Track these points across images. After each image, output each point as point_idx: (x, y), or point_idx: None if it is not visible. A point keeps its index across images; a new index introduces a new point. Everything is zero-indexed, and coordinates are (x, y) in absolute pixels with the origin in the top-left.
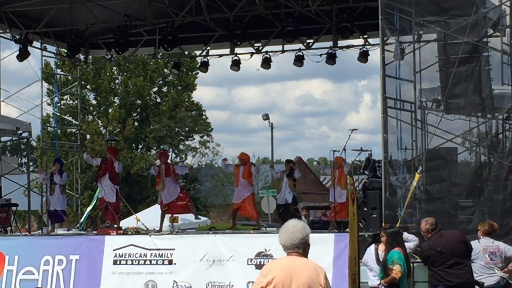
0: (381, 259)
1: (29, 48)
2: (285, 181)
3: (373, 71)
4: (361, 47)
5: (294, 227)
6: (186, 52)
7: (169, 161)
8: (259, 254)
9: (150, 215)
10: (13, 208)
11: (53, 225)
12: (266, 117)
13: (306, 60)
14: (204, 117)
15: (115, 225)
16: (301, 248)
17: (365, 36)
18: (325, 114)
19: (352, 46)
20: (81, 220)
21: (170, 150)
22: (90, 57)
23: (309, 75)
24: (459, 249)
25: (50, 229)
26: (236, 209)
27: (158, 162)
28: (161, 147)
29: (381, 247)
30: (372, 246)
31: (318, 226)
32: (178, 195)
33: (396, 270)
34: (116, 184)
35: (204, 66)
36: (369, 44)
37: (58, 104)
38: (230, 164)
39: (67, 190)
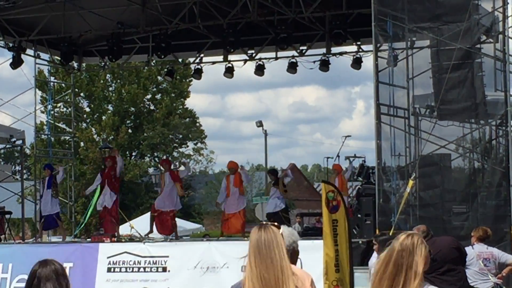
0: None
1: (23, 56)
2: (272, 191)
3: (366, 78)
4: (354, 53)
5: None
6: (180, 60)
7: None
8: None
9: (144, 223)
10: (7, 216)
11: (41, 231)
12: (259, 124)
13: (299, 67)
14: (197, 124)
15: (115, 233)
16: (288, 255)
17: (358, 43)
18: (319, 121)
19: (346, 52)
20: (81, 226)
21: (164, 157)
22: (84, 64)
23: (302, 82)
24: (452, 256)
25: (38, 236)
26: (226, 220)
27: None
28: (155, 154)
29: None
30: None
31: (312, 232)
32: (171, 209)
33: None
34: (115, 192)
35: (198, 73)
36: (362, 51)
37: (52, 112)
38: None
39: (60, 198)
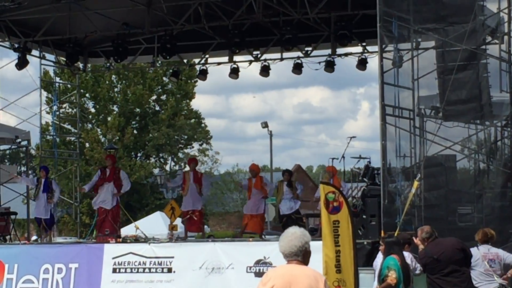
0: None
1: (28, 57)
2: (285, 190)
3: (371, 79)
4: (359, 54)
5: (293, 234)
6: (185, 60)
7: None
8: (258, 262)
9: (149, 223)
10: (12, 217)
11: (46, 232)
12: (265, 125)
13: (305, 68)
14: (203, 125)
15: (116, 234)
16: (300, 255)
17: (364, 44)
18: (323, 122)
19: (351, 53)
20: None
21: (170, 158)
22: (89, 65)
23: (306, 83)
24: (456, 257)
25: (45, 236)
26: (246, 223)
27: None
28: (160, 155)
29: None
30: None
31: (317, 233)
32: (198, 209)
33: (392, 277)
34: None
35: (203, 74)
36: (368, 52)
37: (57, 113)
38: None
39: (66, 198)
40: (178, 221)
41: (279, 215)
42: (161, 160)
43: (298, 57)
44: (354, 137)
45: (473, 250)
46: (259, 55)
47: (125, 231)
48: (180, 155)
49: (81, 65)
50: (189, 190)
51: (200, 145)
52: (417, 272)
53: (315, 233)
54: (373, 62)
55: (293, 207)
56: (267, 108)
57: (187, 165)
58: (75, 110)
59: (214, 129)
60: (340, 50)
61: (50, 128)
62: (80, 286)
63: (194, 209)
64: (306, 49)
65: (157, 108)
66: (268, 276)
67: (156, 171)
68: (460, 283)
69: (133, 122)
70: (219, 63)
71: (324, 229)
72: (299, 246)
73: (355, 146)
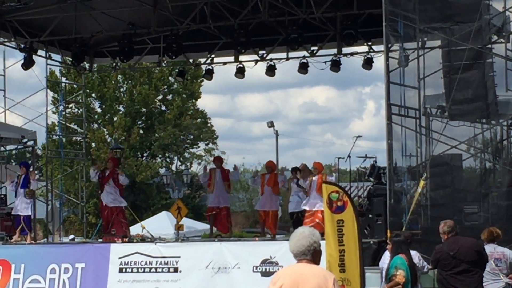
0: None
1: (34, 57)
2: (294, 188)
3: (377, 78)
4: (365, 54)
5: (301, 234)
6: (191, 60)
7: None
8: (264, 262)
9: (156, 223)
10: None
11: (18, 233)
12: (271, 124)
13: (310, 67)
14: (209, 124)
15: (123, 234)
16: (309, 255)
17: (369, 43)
18: (329, 121)
19: (357, 53)
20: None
21: (176, 158)
22: (95, 65)
23: (312, 82)
24: (471, 257)
25: (15, 238)
26: (263, 220)
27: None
28: (166, 155)
29: None
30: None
31: (321, 233)
32: (225, 206)
33: (400, 275)
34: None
35: (209, 74)
36: (374, 51)
37: (63, 113)
38: (256, 178)
39: (72, 198)
40: (184, 221)
41: (289, 213)
42: (167, 160)
43: (304, 57)
44: (360, 136)
45: None
46: (265, 55)
47: (132, 231)
48: (186, 154)
49: (87, 65)
50: (215, 187)
51: (206, 144)
52: (425, 270)
53: (321, 232)
54: (379, 62)
55: (299, 205)
56: (272, 107)
57: (212, 163)
58: (81, 110)
59: (220, 129)
60: (346, 50)
61: (56, 128)
62: (86, 286)
63: (220, 206)
64: (312, 48)
65: (163, 108)
66: (278, 276)
67: (162, 171)
68: (470, 284)
69: (139, 122)
70: (225, 63)
71: (327, 228)
72: (307, 246)
73: (361, 145)
